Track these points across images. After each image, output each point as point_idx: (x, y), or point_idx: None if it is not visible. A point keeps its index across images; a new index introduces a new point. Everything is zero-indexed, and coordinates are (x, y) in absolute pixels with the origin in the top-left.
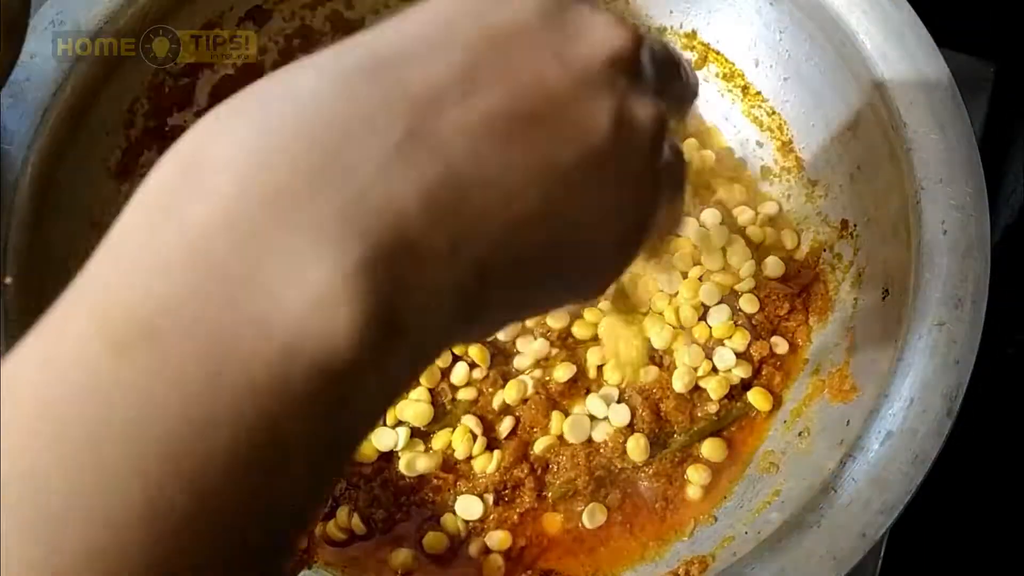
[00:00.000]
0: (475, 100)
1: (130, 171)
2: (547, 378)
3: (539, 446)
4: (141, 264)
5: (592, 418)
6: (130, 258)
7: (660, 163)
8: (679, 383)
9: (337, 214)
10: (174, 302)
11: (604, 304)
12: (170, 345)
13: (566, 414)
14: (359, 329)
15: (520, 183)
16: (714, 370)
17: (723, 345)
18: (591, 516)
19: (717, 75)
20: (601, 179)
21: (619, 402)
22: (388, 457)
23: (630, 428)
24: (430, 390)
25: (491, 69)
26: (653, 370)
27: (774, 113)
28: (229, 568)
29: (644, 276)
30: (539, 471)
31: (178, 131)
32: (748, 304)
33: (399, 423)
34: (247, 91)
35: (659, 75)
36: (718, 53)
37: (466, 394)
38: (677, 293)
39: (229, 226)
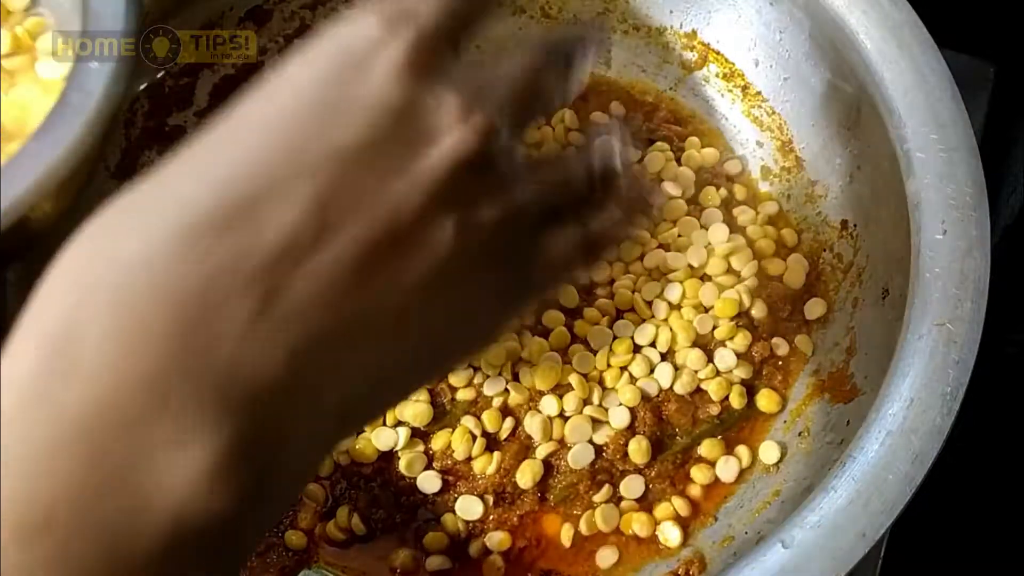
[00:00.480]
0: (328, 243)
1: (130, 171)
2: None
3: (541, 452)
4: (31, 454)
5: (594, 420)
6: (19, 448)
7: (518, 253)
8: (680, 385)
9: (208, 395)
10: (66, 492)
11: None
12: (67, 534)
13: (564, 420)
14: (236, 499)
15: (376, 316)
16: (715, 372)
17: (724, 346)
18: (588, 522)
19: (717, 75)
20: (451, 287)
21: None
22: (388, 457)
23: (631, 430)
24: (430, 390)
25: (341, 199)
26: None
27: (774, 113)
28: None
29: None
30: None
31: (178, 131)
32: (749, 305)
33: (399, 423)
34: (89, 255)
35: (515, 165)
36: (718, 53)
37: (465, 395)
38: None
39: (105, 417)
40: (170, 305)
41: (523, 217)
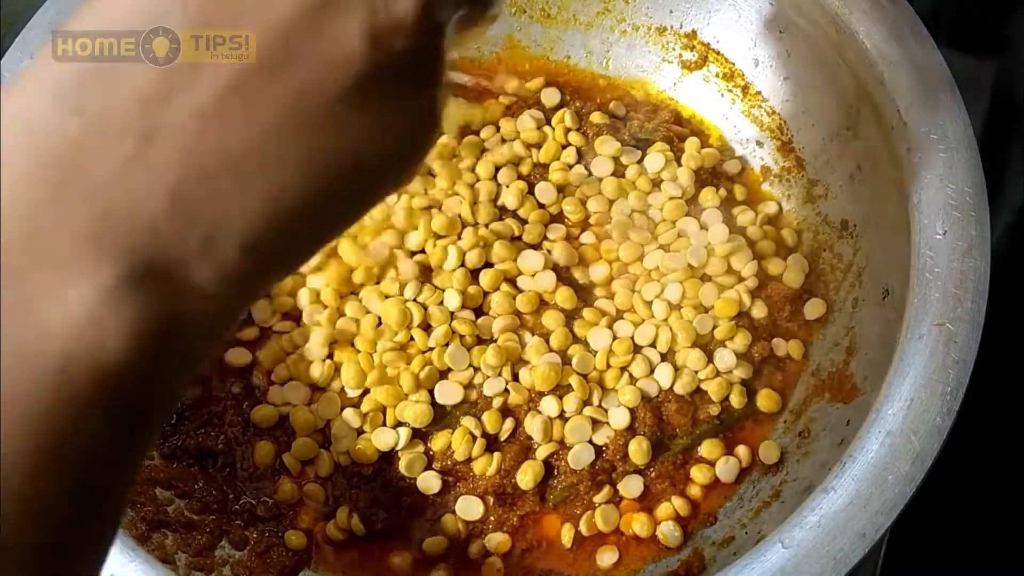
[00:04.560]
0: (205, 76)
1: None
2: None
3: (541, 453)
4: None
5: (594, 421)
6: None
7: (435, 55)
8: (680, 385)
9: (86, 236)
10: None
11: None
12: None
13: (564, 420)
14: (129, 339)
15: (272, 145)
16: (715, 372)
17: (724, 346)
18: (588, 522)
19: (717, 75)
20: (366, 102)
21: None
22: (388, 458)
23: (631, 431)
24: (430, 391)
25: (214, 28)
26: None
27: (774, 113)
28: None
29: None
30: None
31: None
32: (749, 305)
33: (399, 424)
34: None
35: None
36: (718, 53)
37: (466, 395)
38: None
39: None
40: (48, 155)
41: (434, 11)
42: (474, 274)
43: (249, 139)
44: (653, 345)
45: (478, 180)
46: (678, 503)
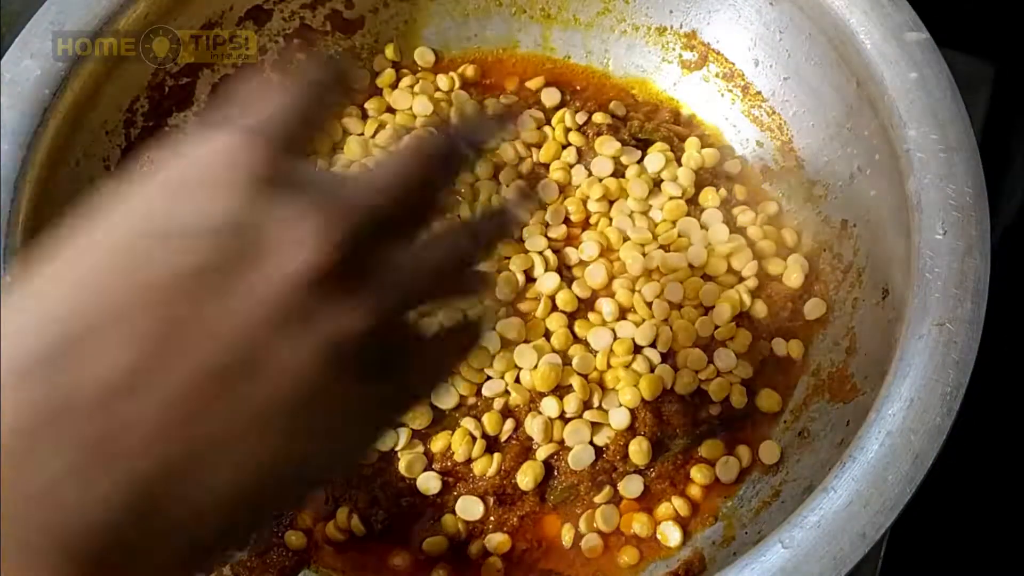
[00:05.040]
0: (152, 384)
1: (130, 171)
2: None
3: (541, 453)
4: None
5: (593, 424)
6: None
7: (392, 361)
8: (681, 385)
9: (46, 546)
10: None
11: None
12: None
13: (564, 421)
14: None
15: (219, 455)
16: (716, 372)
17: (725, 346)
18: (588, 522)
19: (717, 75)
20: (314, 406)
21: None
22: (388, 458)
23: (631, 431)
24: None
25: (164, 336)
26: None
27: (774, 113)
28: None
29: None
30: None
31: (178, 131)
32: (749, 305)
33: (399, 424)
34: None
35: (389, 269)
36: (718, 53)
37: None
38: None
39: None
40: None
41: (396, 325)
42: None
43: (194, 452)
44: (653, 345)
45: (478, 180)
46: (678, 503)
